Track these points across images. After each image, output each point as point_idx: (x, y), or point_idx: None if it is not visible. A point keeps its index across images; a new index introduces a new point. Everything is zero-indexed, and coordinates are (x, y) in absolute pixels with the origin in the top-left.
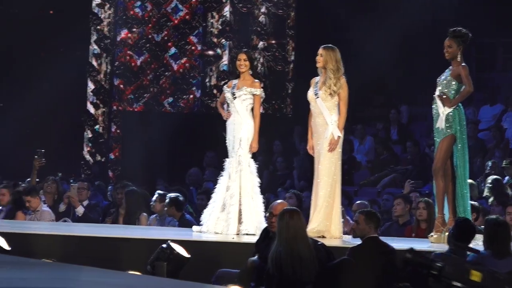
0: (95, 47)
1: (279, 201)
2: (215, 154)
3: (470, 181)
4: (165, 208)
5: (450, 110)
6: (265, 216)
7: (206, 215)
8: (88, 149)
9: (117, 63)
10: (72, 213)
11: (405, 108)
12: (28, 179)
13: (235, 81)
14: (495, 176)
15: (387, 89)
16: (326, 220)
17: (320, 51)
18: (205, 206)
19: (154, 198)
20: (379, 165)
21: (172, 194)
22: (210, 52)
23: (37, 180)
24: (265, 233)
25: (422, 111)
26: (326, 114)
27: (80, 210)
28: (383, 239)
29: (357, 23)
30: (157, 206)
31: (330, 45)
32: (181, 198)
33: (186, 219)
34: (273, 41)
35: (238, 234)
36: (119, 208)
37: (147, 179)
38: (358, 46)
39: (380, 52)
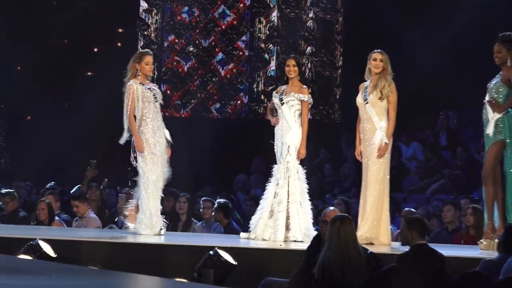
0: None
1: (331, 208)
2: (263, 160)
3: None
4: (213, 213)
5: (500, 115)
6: (314, 224)
7: (254, 222)
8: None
9: (164, 68)
10: (119, 222)
11: (455, 113)
12: (78, 186)
13: (283, 87)
14: None
15: (436, 94)
16: (375, 227)
17: (379, 56)
18: (253, 212)
19: (202, 204)
20: (428, 171)
21: (221, 200)
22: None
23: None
24: (318, 239)
25: (472, 116)
26: (375, 119)
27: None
28: (432, 245)
29: (405, 28)
30: (205, 212)
31: (382, 50)
32: (230, 205)
33: (232, 227)
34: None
35: (285, 241)
36: (179, 215)
37: (194, 186)
38: (406, 51)
39: (429, 57)
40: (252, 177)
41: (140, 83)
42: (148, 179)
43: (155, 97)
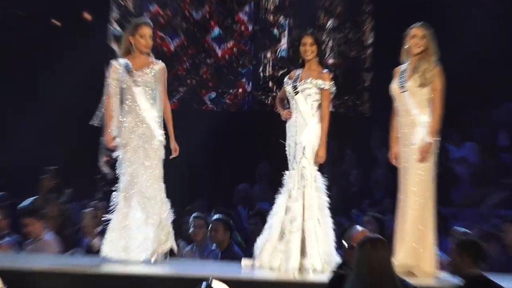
0: (116, 27)
1: (359, 228)
2: (271, 165)
3: None
4: (212, 233)
5: None
6: (337, 248)
7: (260, 245)
8: (106, 159)
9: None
10: (84, 244)
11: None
12: (32, 198)
13: (298, 71)
14: None
15: (494, 81)
16: (416, 252)
17: (419, 31)
18: (258, 232)
19: (191, 222)
20: (485, 179)
21: (220, 215)
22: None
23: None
24: (342, 268)
25: None
26: (416, 112)
27: (95, 242)
28: (490, 275)
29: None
30: (197, 233)
31: (425, 23)
32: (231, 221)
33: (233, 251)
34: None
35: (300, 270)
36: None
37: (182, 199)
38: (453, 27)
39: (487, 33)
40: (257, 187)
41: (125, 62)
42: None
43: (135, 82)
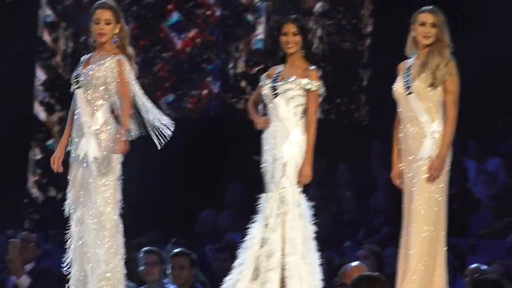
0: (48, 11)
1: (354, 264)
2: (243, 186)
3: None
4: (175, 271)
5: None
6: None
7: (228, 286)
8: (36, 178)
9: (84, 37)
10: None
11: None
12: None
13: (279, 68)
14: None
15: None
16: None
17: (429, 17)
18: (227, 270)
19: (142, 258)
20: (511, 204)
21: (182, 248)
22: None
23: None
24: None
25: None
26: (424, 119)
27: (23, 281)
28: None
29: None
30: (150, 271)
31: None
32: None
33: None
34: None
35: None
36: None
37: (133, 228)
38: (476, 12)
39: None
40: (225, 213)
41: (85, 59)
42: None
43: (77, 82)
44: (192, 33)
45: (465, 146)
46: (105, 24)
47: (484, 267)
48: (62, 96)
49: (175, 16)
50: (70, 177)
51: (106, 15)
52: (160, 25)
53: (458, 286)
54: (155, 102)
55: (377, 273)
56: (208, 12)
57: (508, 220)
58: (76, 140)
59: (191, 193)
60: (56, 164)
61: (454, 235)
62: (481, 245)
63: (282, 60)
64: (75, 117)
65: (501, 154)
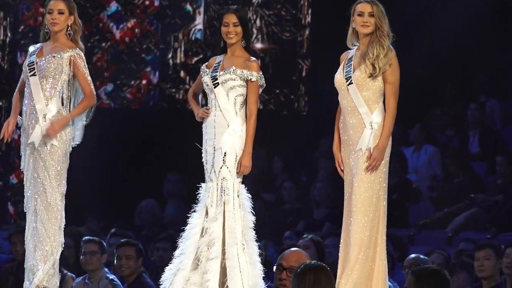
0: None
1: (293, 249)
2: (182, 176)
3: None
4: (121, 261)
5: None
6: (265, 278)
7: (169, 276)
8: None
9: (23, 27)
10: None
11: (493, 102)
12: None
13: (218, 58)
14: None
15: (463, 73)
16: (363, 284)
17: (367, 7)
18: (167, 260)
19: (82, 247)
20: (451, 194)
21: (128, 239)
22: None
23: None
24: None
25: None
26: (364, 110)
27: None
28: None
29: None
30: (88, 260)
31: None
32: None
33: (144, 284)
34: None
35: None
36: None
37: (72, 217)
38: (415, 5)
39: (453, 15)
40: (167, 204)
41: (37, 48)
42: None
43: (32, 68)
44: (131, 23)
45: (404, 136)
46: (58, 14)
47: (423, 257)
48: (1, 87)
49: (113, 6)
50: (23, 165)
51: (59, 5)
52: (99, 15)
53: (397, 275)
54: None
55: (320, 262)
56: (147, 2)
57: (447, 210)
58: (28, 126)
59: (132, 183)
60: (10, 129)
61: (394, 225)
62: (420, 235)
63: (223, 50)
64: (25, 101)
65: (436, 145)
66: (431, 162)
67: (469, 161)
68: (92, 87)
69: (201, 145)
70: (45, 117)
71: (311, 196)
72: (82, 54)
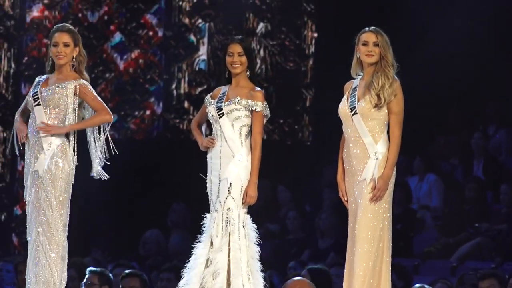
0: None
1: (296, 278)
2: (187, 207)
3: None
4: None
5: None
6: None
7: None
8: None
9: (27, 58)
10: None
11: (499, 129)
12: None
13: (223, 89)
14: None
15: (467, 100)
16: None
17: (372, 37)
18: None
19: (86, 279)
20: (455, 224)
21: (132, 270)
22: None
23: None
24: None
25: None
26: (368, 140)
27: None
28: None
29: None
30: None
31: (377, 28)
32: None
33: None
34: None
35: None
36: None
37: (76, 249)
38: (417, 31)
39: (457, 44)
40: (171, 235)
41: (43, 77)
42: None
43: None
44: (134, 53)
45: (410, 165)
46: (64, 46)
47: (427, 286)
48: (3, 117)
49: (117, 37)
50: (25, 195)
51: (64, 38)
52: (103, 45)
53: None
54: None
55: None
56: (150, 33)
57: (452, 240)
58: (31, 156)
59: (136, 213)
60: (24, 134)
61: (398, 255)
62: (425, 265)
63: (227, 80)
64: (29, 129)
65: (439, 174)
66: (432, 191)
67: (475, 190)
68: (105, 105)
69: (206, 176)
70: (50, 145)
71: (316, 225)
72: (88, 84)
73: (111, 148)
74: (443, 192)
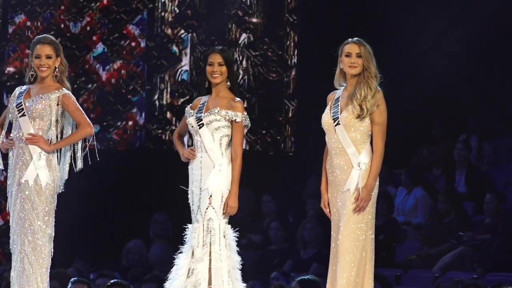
0: None
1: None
2: (169, 217)
3: None
4: None
5: None
6: None
7: None
8: None
9: (9, 69)
10: None
11: (482, 140)
12: None
13: (203, 99)
14: None
15: (450, 112)
16: None
17: (355, 48)
18: None
19: None
20: (437, 234)
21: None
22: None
23: None
24: None
25: (509, 146)
26: (351, 151)
27: None
28: None
29: (397, 9)
30: None
31: (360, 39)
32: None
33: None
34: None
35: None
36: None
37: (59, 260)
38: (401, 44)
39: (439, 56)
40: (153, 245)
41: (24, 90)
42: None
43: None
44: (117, 64)
45: (392, 176)
46: (46, 58)
47: None
48: None
49: (100, 48)
50: (9, 205)
51: (46, 50)
52: (85, 56)
53: None
54: None
55: None
56: (133, 44)
57: (434, 251)
58: (15, 167)
59: (119, 224)
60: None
61: (381, 265)
62: (407, 275)
63: (207, 91)
64: (16, 142)
65: (422, 185)
66: (418, 206)
67: (457, 201)
68: (86, 117)
69: (187, 187)
70: (40, 156)
71: (299, 236)
72: (70, 94)
73: (96, 157)
74: (428, 209)
